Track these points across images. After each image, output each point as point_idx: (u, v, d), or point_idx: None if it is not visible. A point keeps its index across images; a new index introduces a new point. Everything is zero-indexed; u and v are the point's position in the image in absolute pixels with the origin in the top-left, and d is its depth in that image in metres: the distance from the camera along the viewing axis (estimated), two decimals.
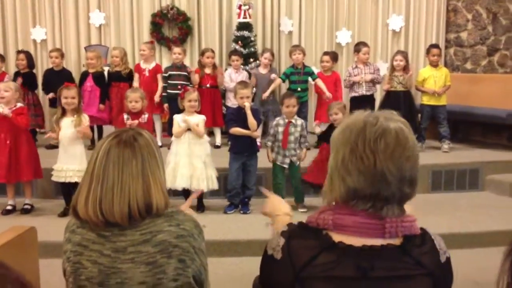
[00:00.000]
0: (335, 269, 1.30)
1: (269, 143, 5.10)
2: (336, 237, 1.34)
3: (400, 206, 1.37)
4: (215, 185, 5.02)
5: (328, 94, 6.54)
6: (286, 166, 5.05)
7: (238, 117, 5.00)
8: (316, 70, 7.18)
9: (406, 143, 1.34)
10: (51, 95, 6.61)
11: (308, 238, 1.36)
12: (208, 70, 6.81)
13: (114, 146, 1.64)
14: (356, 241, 1.32)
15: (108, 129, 6.57)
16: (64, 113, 4.87)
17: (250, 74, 6.99)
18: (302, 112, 6.68)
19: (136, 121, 4.93)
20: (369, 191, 1.33)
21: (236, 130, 4.99)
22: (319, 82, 6.72)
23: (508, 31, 7.27)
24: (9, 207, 5.04)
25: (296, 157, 5.05)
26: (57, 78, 6.30)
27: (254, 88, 6.89)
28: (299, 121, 5.10)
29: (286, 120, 5.04)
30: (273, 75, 6.84)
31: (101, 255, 1.60)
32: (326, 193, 1.42)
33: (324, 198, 1.44)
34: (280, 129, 5.04)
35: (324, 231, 1.36)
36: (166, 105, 6.71)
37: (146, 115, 5.13)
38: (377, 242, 1.32)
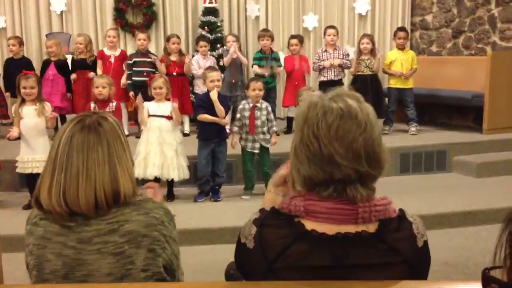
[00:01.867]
0: (309, 258, 1.27)
1: (236, 128, 5.04)
2: (309, 225, 1.30)
3: (365, 186, 1.31)
4: (186, 175, 4.97)
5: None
6: (257, 151, 5.01)
7: (206, 103, 4.93)
8: (283, 55, 7.14)
9: (354, 119, 1.28)
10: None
11: (280, 227, 1.32)
12: (174, 57, 6.69)
13: (77, 132, 1.56)
14: (329, 229, 1.28)
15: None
16: (23, 101, 4.72)
17: (218, 60, 6.91)
18: (270, 97, 6.66)
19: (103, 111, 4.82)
20: (322, 177, 1.29)
21: (204, 117, 4.93)
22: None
23: (473, 13, 7.34)
24: None
25: (265, 141, 5.01)
26: (17, 67, 6.09)
27: (222, 75, 6.83)
28: (264, 104, 5.06)
29: (251, 104, 5.00)
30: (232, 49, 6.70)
31: (65, 247, 1.53)
32: (291, 183, 1.40)
33: (290, 187, 1.41)
34: (246, 113, 4.99)
35: (296, 218, 1.32)
36: (131, 93, 6.58)
37: (114, 103, 5.02)
38: (351, 228, 1.28)
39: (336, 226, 1.28)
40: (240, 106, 5.11)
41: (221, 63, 6.91)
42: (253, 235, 1.33)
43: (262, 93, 5.03)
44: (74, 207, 1.52)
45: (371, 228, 1.30)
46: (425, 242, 1.37)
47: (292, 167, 1.36)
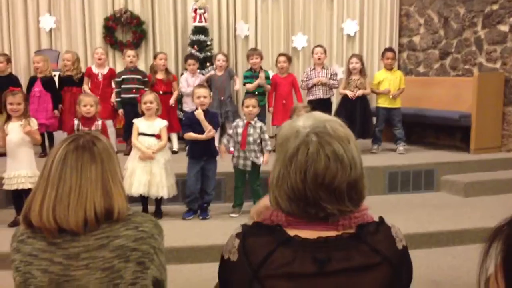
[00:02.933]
0: (293, 264, 1.27)
1: (225, 140, 5.06)
2: (291, 232, 1.32)
3: (349, 211, 1.34)
4: (175, 191, 4.95)
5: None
6: (248, 169, 5.00)
7: (194, 121, 4.92)
8: (272, 73, 7.18)
9: (340, 164, 1.31)
10: None
11: (263, 235, 1.33)
12: (160, 75, 6.70)
13: (71, 151, 1.57)
14: (311, 234, 1.31)
15: (58, 135, 6.37)
16: (9, 118, 4.68)
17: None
18: (259, 116, 6.65)
19: None
20: (304, 215, 1.32)
21: (189, 136, 4.93)
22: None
23: (459, 35, 7.45)
24: None
25: (256, 159, 5.00)
26: (3, 84, 6.05)
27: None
28: (259, 124, 5.07)
29: (245, 121, 5.01)
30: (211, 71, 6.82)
31: (52, 263, 1.52)
32: (271, 201, 1.40)
33: (270, 203, 1.42)
34: (239, 130, 4.99)
35: (278, 226, 1.34)
36: (121, 111, 6.56)
37: (100, 122, 4.99)
38: (332, 233, 1.32)
39: (317, 232, 1.32)
40: (234, 123, 5.12)
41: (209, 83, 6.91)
42: (237, 247, 1.34)
43: (256, 110, 5.02)
44: (63, 223, 1.51)
45: (351, 231, 1.34)
46: (404, 247, 1.38)
47: (270, 194, 1.39)
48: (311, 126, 1.35)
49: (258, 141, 5.01)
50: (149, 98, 4.91)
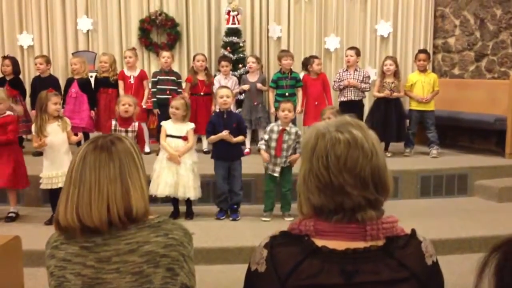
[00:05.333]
0: (320, 276, 1.28)
1: (263, 146, 4.96)
2: (319, 242, 1.33)
3: (375, 209, 1.35)
4: (200, 194, 4.99)
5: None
6: (276, 174, 4.96)
7: (216, 126, 4.98)
8: (301, 74, 7.16)
9: (360, 149, 1.32)
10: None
11: (291, 245, 1.35)
12: (201, 77, 6.77)
13: (90, 151, 1.62)
14: (339, 245, 1.31)
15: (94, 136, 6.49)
16: (44, 119, 4.76)
17: (239, 80, 6.97)
18: None
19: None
20: (333, 206, 1.33)
21: (210, 139, 5.03)
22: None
23: (496, 36, 7.32)
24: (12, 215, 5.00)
25: (286, 163, 4.95)
26: (44, 86, 6.19)
27: (242, 95, 6.88)
28: (294, 129, 5.00)
29: (280, 128, 4.96)
30: (258, 85, 6.81)
31: (84, 266, 1.57)
32: (299, 208, 1.43)
33: (298, 211, 1.43)
34: (274, 136, 4.95)
35: (306, 237, 1.35)
36: (156, 110, 6.65)
37: (136, 123, 5.05)
38: (360, 245, 1.32)
39: (345, 243, 1.32)
40: (268, 128, 5.07)
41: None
42: (265, 258, 1.35)
43: (291, 114, 4.98)
44: (87, 221, 1.55)
45: (379, 244, 1.33)
46: (434, 263, 1.37)
47: (301, 195, 1.40)
48: (331, 123, 1.39)
49: (293, 146, 4.98)
50: (176, 104, 4.94)
